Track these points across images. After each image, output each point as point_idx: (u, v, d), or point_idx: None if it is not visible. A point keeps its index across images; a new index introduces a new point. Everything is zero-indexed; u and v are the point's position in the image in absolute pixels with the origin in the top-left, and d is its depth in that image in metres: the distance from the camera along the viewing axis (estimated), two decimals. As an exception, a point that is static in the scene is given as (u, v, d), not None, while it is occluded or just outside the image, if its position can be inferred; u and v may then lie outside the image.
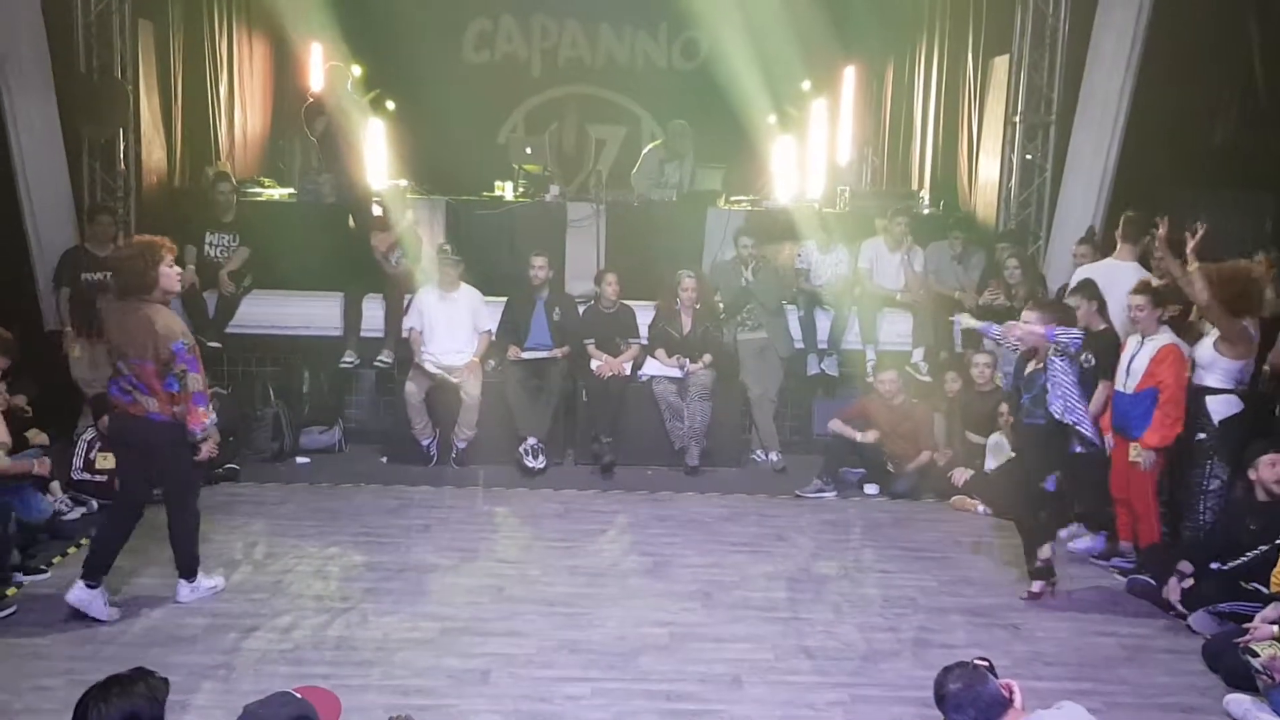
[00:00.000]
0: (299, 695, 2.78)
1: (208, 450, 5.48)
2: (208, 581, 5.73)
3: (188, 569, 5.66)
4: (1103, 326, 6.70)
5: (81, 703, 2.72)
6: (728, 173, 10.17)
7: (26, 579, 5.74)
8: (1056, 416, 5.72)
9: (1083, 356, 6.63)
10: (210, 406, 5.42)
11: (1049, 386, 5.73)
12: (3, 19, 7.83)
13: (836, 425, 7.97)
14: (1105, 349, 6.63)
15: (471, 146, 11.55)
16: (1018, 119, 9.22)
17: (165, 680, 2.87)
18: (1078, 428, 5.76)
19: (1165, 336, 6.15)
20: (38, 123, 8.20)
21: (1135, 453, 6.15)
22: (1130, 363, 6.22)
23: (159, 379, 5.30)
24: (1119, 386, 6.31)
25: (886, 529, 7.23)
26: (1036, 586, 5.99)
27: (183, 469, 5.56)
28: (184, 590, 5.64)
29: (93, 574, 5.33)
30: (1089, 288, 6.79)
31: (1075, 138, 8.80)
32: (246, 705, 2.74)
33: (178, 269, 5.50)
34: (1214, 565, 5.70)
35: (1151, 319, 6.14)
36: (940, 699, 3.38)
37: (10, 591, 5.56)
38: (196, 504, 5.71)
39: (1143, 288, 6.13)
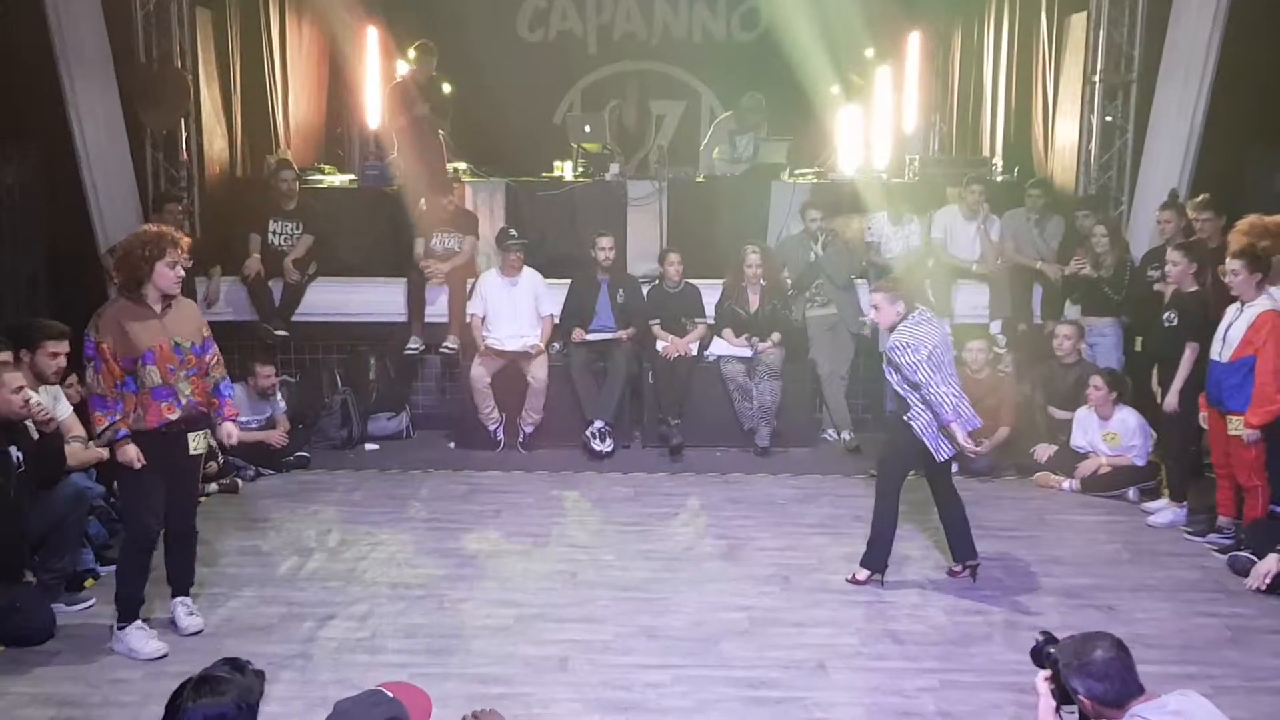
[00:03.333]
0: (390, 694, 2.66)
1: (125, 460, 4.79)
2: (135, 639, 4.92)
3: (118, 614, 4.98)
4: (1194, 289, 6.42)
5: (172, 702, 2.63)
6: (792, 145, 9.94)
7: (104, 569, 5.73)
8: (916, 433, 5.49)
9: (1166, 315, 6.39)
10: (107, 413, 4.76)
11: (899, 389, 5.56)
12: (63, 9, 7.83)
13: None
14: (1191, 309, 6.39)
15: (529, 127, 11.42)
16: (1097, 78, 8.86)
17: (260, 674, 2.77)
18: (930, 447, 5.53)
19: (1264, 303, 5.83)
20: (100, 114, 8.23)
21: (1234, 426, 5.87)
22: (1227, 331, 5.93)
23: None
24: (1214, 355, 6.02)
25: (969, 508, 6.82)
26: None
27: (121, 490, 5.17)
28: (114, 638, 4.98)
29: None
30: (1196, 249, 6.52)
31: (1159, 96, 8.42)
32: (337, 702, 2.64)
33: (180, 270, 4.90)
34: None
35: (1249, 284, 5.83)
36: (1081, 666, 3.15)
37: (88, 583, 5.56)
38: (135, 534, 5.02)
39: (1240, 251, 5.82)
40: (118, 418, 4.77)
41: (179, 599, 5.18)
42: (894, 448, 5.79)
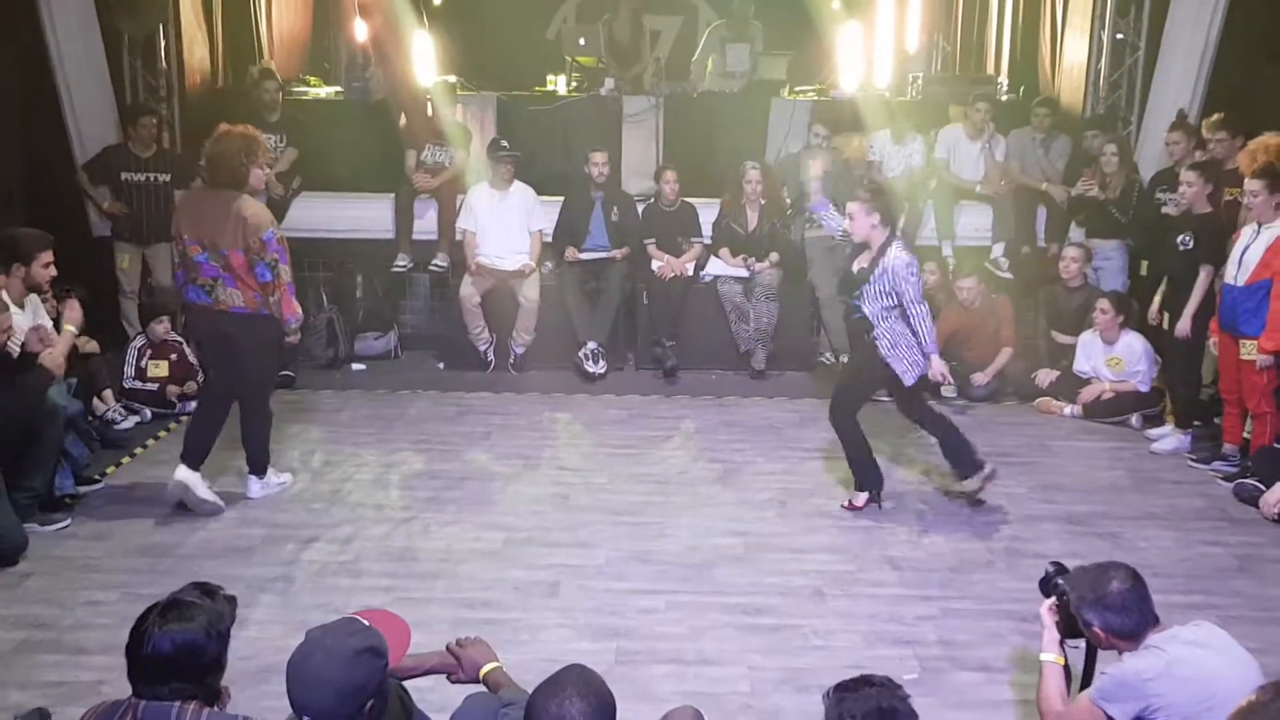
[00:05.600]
0: (366, 622, 2.50)
1: (291, 341, 5.53)
2: (277, 478, 5.73)
3: (259, 465, 5.65)
4: (1209, 210, 6.21)
5: (138, 627, 2.48)
6: (792, 61, 9.61)
7: (80, 489, 5.58)
8: (882, 355, 5.29)
9: (1180, 238, 6.20)
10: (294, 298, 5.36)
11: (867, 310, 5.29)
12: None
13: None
14: (1206, 231, 6.20)
15: (521, 40, 11.09)
16: (1109, -8, 8.54)
17: (232, 599, 2.62)
18: (897, 371, 5.33)
19: (1284, 224, 5.64)
20: (75, 20, 7.85)
21: (1247, 351, 5.70)
22: (1244, 253, 5.73)
23: (248, 270, 5.20)
24: (1229, 279, 5.84)
25: (968, 433, 6.79)
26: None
27: (263, 365, 5.57)
28: (254, 486, 5.64)
29: (191, 460, 5.39)
30: (1210, 169, 6.29)
31: (1173, 12, 8.07)
32: (309, 630, 2.47)
33: (266, 169, 5.47)
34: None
35: (1269, 205, 5.61)
36: (1097, 599, 3.01)
37: (66, 501, 5.41)
38: (269, 403, 5.69)
39: (1260, 171, 5.59)
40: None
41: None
42: (856, 372, 5.60)
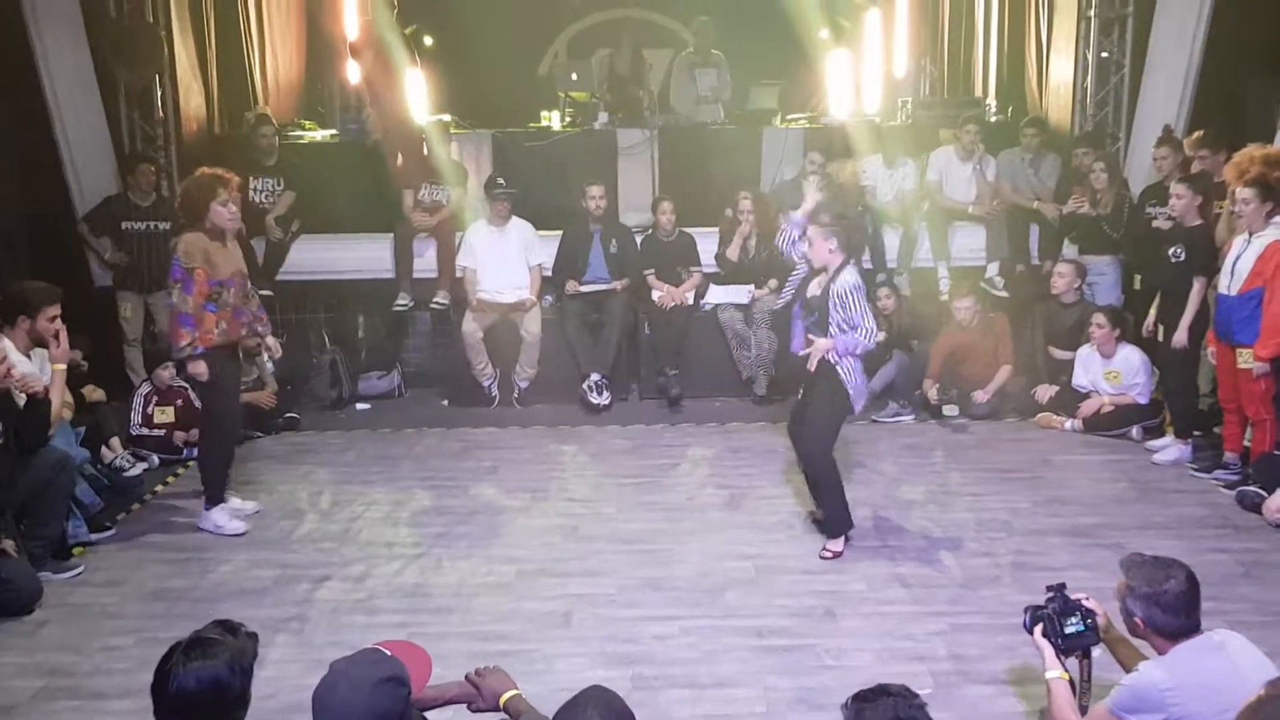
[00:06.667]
0: (388, 653, 2.54)
1: (194, 372, 5.54)
2: (218, 519, 5.73)
3: (207, 498, 5.79)
4: (1199, 222, 6.29)
5: (162, 668, 2.51)
6: (783, 90, 9.73)
7: (94, 536, 5.61)
8: (841, 377, 5.18)
9: (1171, 250, 6.25)
10: (190, 330, 5.37)
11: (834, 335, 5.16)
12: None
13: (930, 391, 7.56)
14: (1197, 242, 6.28)
15: (514, 77, 11.18)
16: (1092, 13, 8.65)
17: (254, 636, 2.65)
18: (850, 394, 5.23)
19: (1273, 233, 5.69)
20: (72, 69, 7.97)
21: (1244, 359, 5.76)
22: (1235, 263, 5.80)
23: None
24: (1222, 289, 5.90)
25: (970, 450, 6.92)
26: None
27: (205, 397, 5.82)
28: (201, 517, 5.78)
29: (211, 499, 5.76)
30: (1200, 182, 6.39)
31: (1156, 29, 8.22)
32: (333, 662, 2.51)
33: (233, 208, 5.55)
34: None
35: (1259, 214, 5.69)
36: (1153, 595, 3.05)
37: (77, 550, 5.43)
38: (219, 438, 5.77)
39: (1254, 180, 5.66)
40: (198, 334, 5.37)
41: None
42: (828, 402, 5.29)
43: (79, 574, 5.22)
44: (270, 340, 5.98)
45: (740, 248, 8.07)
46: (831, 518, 5.40)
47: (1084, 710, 3.27)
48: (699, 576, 5.12)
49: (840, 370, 5.21)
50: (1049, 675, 3.30)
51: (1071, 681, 3.31)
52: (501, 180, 8.09)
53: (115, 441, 6.63)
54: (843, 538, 5.38)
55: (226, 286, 5.52)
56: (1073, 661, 3.39)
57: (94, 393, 6.66)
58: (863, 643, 4.49)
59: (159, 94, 8.72)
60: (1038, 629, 3.38)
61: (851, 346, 5.15)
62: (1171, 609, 3.02)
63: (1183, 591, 3.04)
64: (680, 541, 5.53)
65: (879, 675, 4.09)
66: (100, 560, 5.39)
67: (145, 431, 6.90)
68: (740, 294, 8.03)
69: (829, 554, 5.31)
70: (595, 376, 7.81)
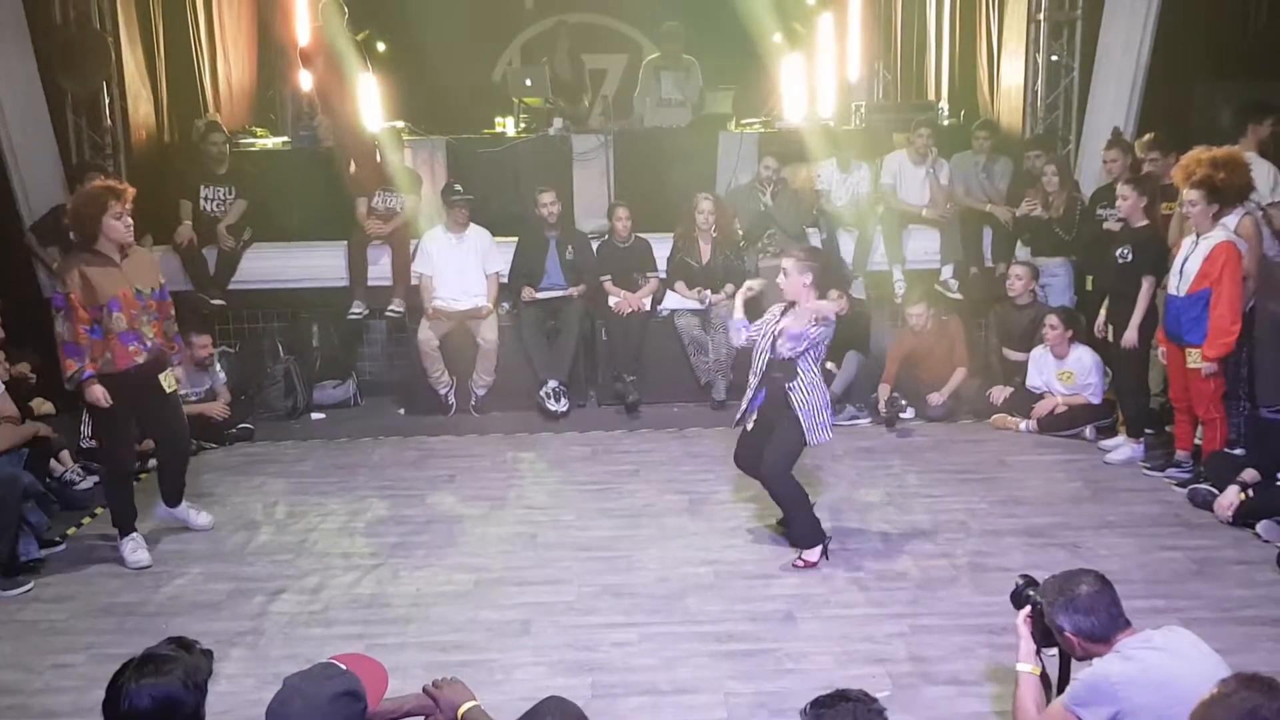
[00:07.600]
0: (343, 666, 2.51)
1: (92, 400, 5.23)
2: (121, 548, 5.47)
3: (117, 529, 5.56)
4: (1145, 223, 6.39)
5: (113, 685, 2.46)
6: (737, 95, 9.77)
7: (42, 553, 5.49)
8: (794, 405, 5.16)
9: (1119, 251, 6.35)
10: (76, 358, 5.14)
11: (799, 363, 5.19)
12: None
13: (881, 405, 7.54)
14: (1144, 243, 6.37)
15: (468, 83, 11.15)
16: (1041, 17, 8.76)
17: (208, 653, 2.61)
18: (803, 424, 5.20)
19: (1220, 234, 5.79)
20: (18, 78, 7.83)
21: (1193, 359, 5.85)
22: (1184, 264, 5.89)
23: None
24: (1171, 290, 5.99)
25: (927, 452, 6.97)
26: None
27: (95, 422, 5.75)
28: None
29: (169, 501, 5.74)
30: (1146, 183, 6.48)
31: (1104, 33, 8.34)
32: (286, 677, 2.48)
33: (128, 220, 5.24)
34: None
35: (1206, 216, 5.77)
36: (1067, 602, 3.08)
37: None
38: (112, 465, 5.60)
39: (1200, 181, 5.74)
40: (85, 362, 5.13)
41: (185, 504, 5.78)
42: (784, 433, 5.27)
43: (28, 590, 5.12)
44: (179, 372, 5.88)
45: (707, 250, 8.07)
46: (802, 533, 5.35)
47: None
48: (658, 583, 5.11)
49: (794, 398, 5.20)
50: (1020, 667, 3.30)
51: (1045, 676, 3.32)
52: (459, 187, 8.03)
53: (65, 455, 6.50)
54: (819, 548, 5.30)
55: (109, 310, 5.15)
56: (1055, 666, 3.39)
57: (43, 405, 6.55)
58: (822, 646, 4.51)
59: (107, 102, 8.60)
60: (1023, 613, 3.35)
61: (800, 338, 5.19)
62: (1091, 610, 3.06)
63: (1096, 591, 3.08)
64: (639, 548, 5.52)
65: (839, 678, 4.15)
66: (50, 576, 5.29)
67: (95, 445, 6.77)
68: (696, 301, 8.03)
69: (802, 564, 5.26)
70: (553, 383, 7.78)
